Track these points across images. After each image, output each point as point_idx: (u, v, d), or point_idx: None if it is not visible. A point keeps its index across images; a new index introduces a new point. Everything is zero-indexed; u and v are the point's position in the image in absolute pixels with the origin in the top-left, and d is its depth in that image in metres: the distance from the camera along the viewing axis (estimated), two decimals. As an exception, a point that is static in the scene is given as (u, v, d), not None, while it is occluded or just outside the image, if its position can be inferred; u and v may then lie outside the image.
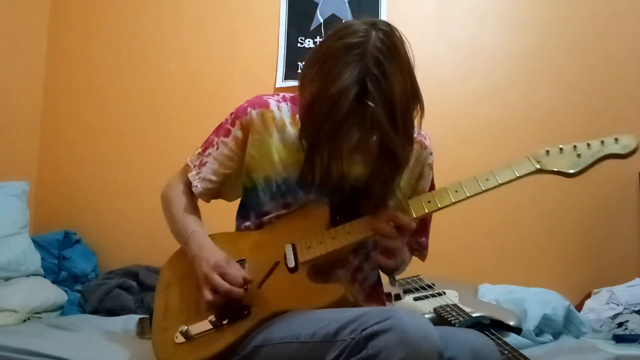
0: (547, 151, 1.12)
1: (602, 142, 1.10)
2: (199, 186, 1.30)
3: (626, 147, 1.08)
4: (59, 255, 2.34)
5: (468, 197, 1.12)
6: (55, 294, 2.03)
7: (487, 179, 1.11)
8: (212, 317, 1.11)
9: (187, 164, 1.35)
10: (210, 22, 2.60)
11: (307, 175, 1.15)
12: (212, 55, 2.58)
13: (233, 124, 1.28)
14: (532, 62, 2.38)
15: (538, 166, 1.10)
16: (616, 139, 1.10)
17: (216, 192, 1.33)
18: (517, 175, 1.10)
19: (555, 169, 1.09)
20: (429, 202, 1.13)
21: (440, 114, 2.33)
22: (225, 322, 1.11)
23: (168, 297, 1.25)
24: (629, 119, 2.27)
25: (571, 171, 1.08)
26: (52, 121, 2.68)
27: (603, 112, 2.30)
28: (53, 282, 2.15)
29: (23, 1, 2.59)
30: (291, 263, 1.14)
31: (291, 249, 1.17)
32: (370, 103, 1.01)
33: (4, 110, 2.46)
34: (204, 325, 1.12)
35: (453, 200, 1.11)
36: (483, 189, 1.11)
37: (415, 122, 1.12)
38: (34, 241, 2.21)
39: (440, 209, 1.12)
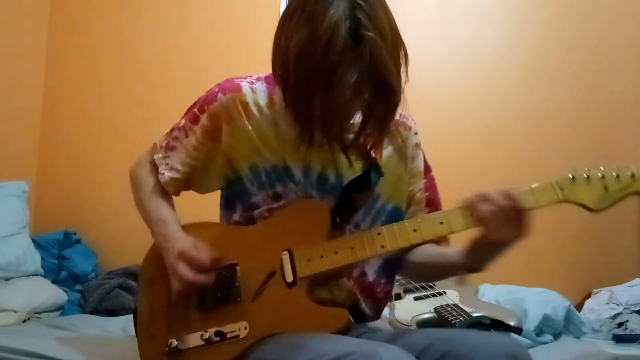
0: (573, 177, 1.03)
1: (633, 175, 1.00)
2: (165, 174, 1.21)
3: None
4: (59, 255, 2.33)
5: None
6: (55, 294, 2.03)
7: None
8: (204, 333, 1.06)
9: (155, 143, 1.27)
10: (210, 22, 2.60)
11: (306, 136, 1.03)
12: (212, 54, 2.58)
13: (201, 110, 1.19)
14: (532, 62, 2.38)
15: (561, 197, 1.03)
16: None
17: (184, 182, 1.23)
18: (539, 204, 1.05)
19: (579, 202, 1.03)
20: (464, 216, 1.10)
21: (440, 113, 2.33)
22: (217, 339, 1.06)
23: (153, 297, 1.18)
24: (628, 119, 2.27)
25: (595, 208, 1.02)
26: (52, 121, 2.68)
27: (603, 112, 2.30)
28: (53, 282, 2.15)
29: (23, 1, 2.59)
30: (289, 277, 1.07)
31: (288, 258, 1.08)
32: (367, 32, 0.95)
33: (4, 110, 2.46)
34: (196, 339, 1.07)
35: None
36: None
37: (403, 76, 1.03)
38: (34, 241, 2.21)
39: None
